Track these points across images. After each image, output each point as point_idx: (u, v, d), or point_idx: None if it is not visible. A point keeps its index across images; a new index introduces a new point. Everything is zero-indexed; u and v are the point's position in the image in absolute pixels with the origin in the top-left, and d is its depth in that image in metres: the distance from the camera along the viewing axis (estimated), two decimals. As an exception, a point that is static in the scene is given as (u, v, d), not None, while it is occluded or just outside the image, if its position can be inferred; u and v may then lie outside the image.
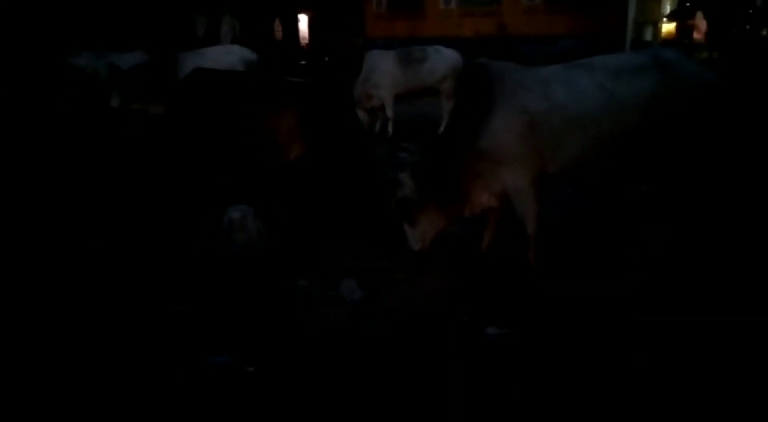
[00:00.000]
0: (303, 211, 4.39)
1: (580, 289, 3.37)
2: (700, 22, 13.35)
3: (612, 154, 3.29)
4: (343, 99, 4.62)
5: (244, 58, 6.59)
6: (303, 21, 16.84)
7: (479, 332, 3.00)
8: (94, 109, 6.61)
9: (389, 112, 7.79)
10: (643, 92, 3.17)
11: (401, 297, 3.38)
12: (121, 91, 6.13)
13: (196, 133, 4.47)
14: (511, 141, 3.29)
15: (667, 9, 15.22)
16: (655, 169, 3.38)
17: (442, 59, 7.68)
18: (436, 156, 3.55)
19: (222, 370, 2.70)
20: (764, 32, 9.26)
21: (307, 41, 16.58)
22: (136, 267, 3.72)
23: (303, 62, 9.43)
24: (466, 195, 3.54)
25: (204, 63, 6.06)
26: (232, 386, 2.59)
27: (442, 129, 7.76)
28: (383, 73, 7.52)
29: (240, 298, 3.37)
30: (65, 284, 3.48)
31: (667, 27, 14.92)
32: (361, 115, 7.31)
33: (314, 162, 4.42)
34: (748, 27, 9.67)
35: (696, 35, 13.40)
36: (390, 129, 7.82)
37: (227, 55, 6.54)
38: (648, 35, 14.04)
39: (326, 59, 14.16)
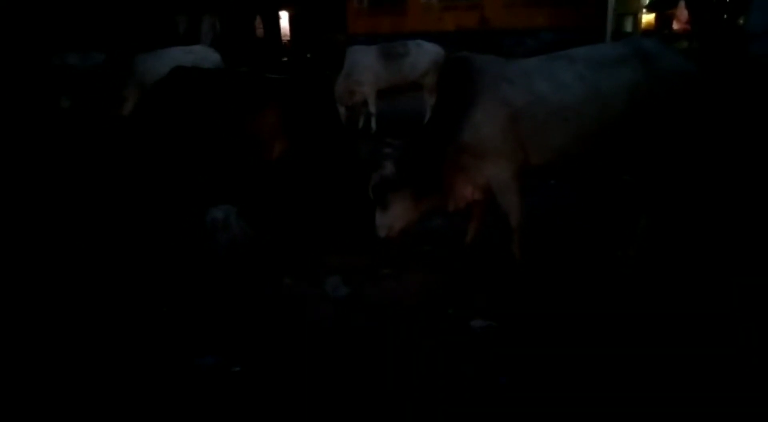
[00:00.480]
0: (287, 210, 4.37)
1: (566, 280, 3.40)
2: (680, 12, 13.44)
3: (595, 145, 3.30)
4: (324, 95, 4.60)
5: (206, 59, 6.41)
6: (284, 18, 16.74)
7: (465, 325, 3.01)
8: (73, 110, 6.49)
9: (372, 108, 7.78)
10: (625, 82, 3.19)
11: (386, 293, 3.38)
12: (72, 92, 6.01)
13: (176, 132, 4.43)
14: (493, 134, 3.29)
15: (647, 0, 15.33)
16: (637, 158, 3.40)
17: (424, 54, 7.67)
18: (418, 147, 3.55)
19: (209, 371, 2.69)
20: (740, 21, 9.36)
21: (288, 38, 16.49)
22: (120, 269, 3.68)
23: (285, 59, 9.38)
24: (450, 189, 3.54)
25: (162, 64, 5.96)
26: (219, 386, 2.58)
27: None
28: (365, 69, 7.52)
29: (225, 298, 3.36)
30: (49, 287, 3.44)
31: (647, 18, 15.01)
32: (341, 111, 7.29)
33: (297, 159, 4.40)
34: (725, 16, 9.78)
35: (675, 25, 13.50)
36: (373, 124, 7.81)
37: (187, 56, 6.32)
38: (628, 26, 14.11)
39: (308, 56, 14.09)
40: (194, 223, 3.94)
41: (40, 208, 4.61)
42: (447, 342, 2.86)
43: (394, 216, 3.52)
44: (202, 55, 6.49)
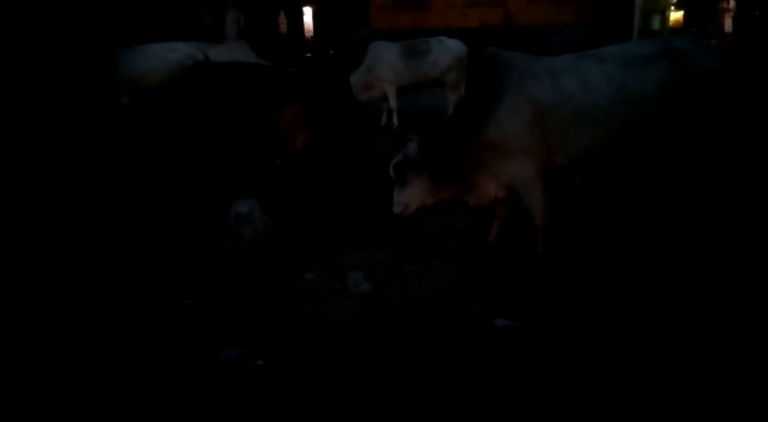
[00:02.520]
0: (309, 204, 4.37)
1: (590, 280, 3.35)
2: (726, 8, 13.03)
3: (622, 145, 3.26)
4: (344, 90, 4.59)
5: (190, 56, 6.20)
6: (308, 14, 16.77)
7: (488, 324, 2.98)
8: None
9: (393, 104, 7.75)
10: (654, 82, 3.14)
11: (408, 290, 3.36)
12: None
13: (199, 126, 4.46)
14: (518, 131, 3.26)
15: (675, -3, 15.06)
16: (664, 159, 3.34)
17: (446, 51, 7.61)
18: (442, 135, 3.53)
19: (232, 364, 2.70)
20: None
21: (312, 34, 16.52)
22: (145, 264, 3.72)
23: (308, 55, 9.40)
24: (472, 184, 3.52)
25: (146, 60, 5.96)
26: (241, 379, 2.59)
27: (448, 120, 7.75)
28: (386, 66, 7.48)
29: (248, 292, 3.37)
30: (76, 282, 3.48)
31: (675, 15, 14.76)
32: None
33: (318, 153, 4.40)
34: (757, 13, 9.55)
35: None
36: (395, 120, 7.79)
37: (171, 53, 6.21)
38: (656, 24, 13.88)
39: (331, 52, 14.10)
40: (218, 217, 3.96)
41: (67, 205, 4.67)
42: (470, 341, 2.84)
43: (410, 194, 3.57)
44: (186, 52, 6.30)
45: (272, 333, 2.95)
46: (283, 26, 15.60)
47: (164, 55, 6.15)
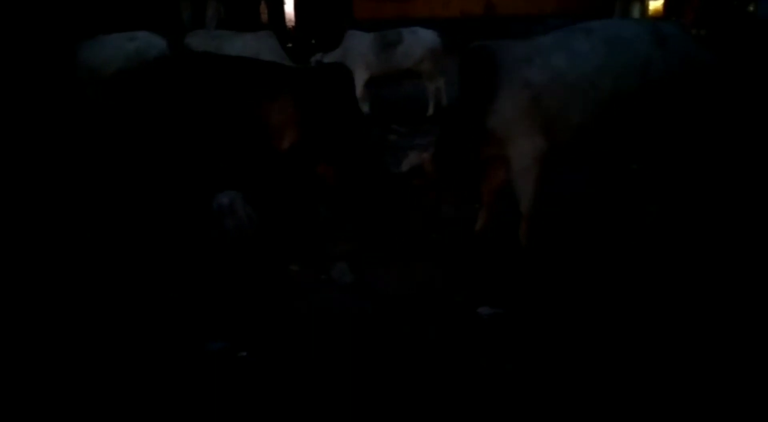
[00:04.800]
0: (294, 196, 4.36)
1: (574, 268, 3.39)
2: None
3: (610, 121, 3.26)
4: (343, 87, 4.48)
5: (150, 44, 6.12)
6: (289, 3, 16.61)
7: (472, 312, 3.01)
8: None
9: (359, 92, 7.69)
10: (638, 58, 3.16)
11: (393, 280, 3.38)
12: None
13: (184, 118, 4.39)
14: (518, 116, 3.27)
15: (655, -14, 15.14)
16: (649, 145, 3.37)
17: (419, 41, 7.58)
18: (447, 143, 3.55)
19: (217, 356, 2.70)
20: (751, 8, 9.24)
21: (293, 24, 16.37)
22: (129, 257, 3.69)
23: (290, 45, 9.32)
24: (485, 179, 3.55)
25: (102, 50, 5.87)
26: (226, 371, 2.59)
27: (430, 111, 7.74)
28: (357, 56, 7.39)
29: (233, 284, 3.36)
30: (61, 277, 3.45)
31: (655, 4, 14.85)
32: None
33: (309, 150, 4.34)
34: (735, 2, 9.65)
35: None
36: (366, 108, 7.71)
37: (130, 42, 6.06)
38: (635, 12, 13.98)
39: (313, 42, 14.00)
40: (201, 210, 3.94)
41: (48, 200, 4.60)
42: (453, 329, 2.87)
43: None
44: (147, 41, 6.17)
45: (256, 325, 2.95)
46: (264, 16, 15.42)
47: (121, 44, 6.01)
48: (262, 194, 4.17)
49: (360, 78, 7.57)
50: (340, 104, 4.28)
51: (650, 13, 14.61)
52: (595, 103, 3.20)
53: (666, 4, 14.37)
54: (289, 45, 9.17)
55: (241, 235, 3.82)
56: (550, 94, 3.22)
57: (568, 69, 3.21)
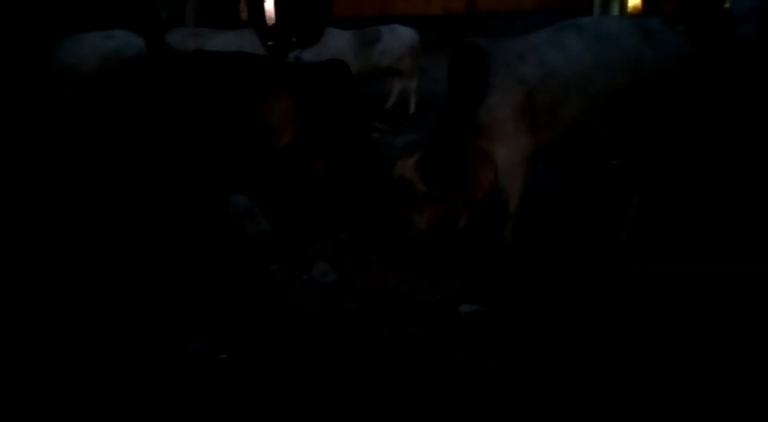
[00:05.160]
0: (278, 196, 4.32)
1: (555, 264, 3.41)
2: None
3: (602, 118, 3.27)
4: (344, 84, 4.42)
5: (128, 43, 5.95)
6: (269, 0, 16.49)
7: (454, 310, 3.01)
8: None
9: None
10: (630, 54, 3.18)
11: (375, 279, 3.37)
12: None
13: (185, 116, 4.29)
14: (510, 113, 3.26)
15: (634, -18, 15.27)
16: (633, 139, 3.38)
17: (397, 39, 7.55)
18: (437, 144, 3.53)
19: (197, 358, 2.67)
20: (726, 5, 9.36)
21: (273, 21, 16.25)
22: (113, 258, 3.63)
23: (270, 43, 9.22)
24: (475, 177, 3.54)
25: (81, 49, 5.77)
26: (206, 373, 2.56)
27: (412, 108, 7.73)
28: (335, 54, 7.27)
29: (211, 284, 3.33)
30: (40, 277, 3.38)
31: (633, 1, 14.99)
32: None
33: (306, 147, 4.29)
34: (711, -1, 9.76)
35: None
36: None
37: (107, 41, 5.90)
38: (615, 9, 14.08)
39: (294, 39, 13.91)
40: (202, 211, 3.88)
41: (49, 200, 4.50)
42: (435, 327, 2.87)
43: (429, 216, 3.63)
44: (124, 39, 6.00)
45: (237, 326, 2.93)
46: (244, 14, 15.29)
47: (98, 43, 5.91)
48: (264, 194, 4.12)
49: None
50: (339, 101, 4.25)
51: (629, 9, 14.74)
52: (588, 99, 3.22)
53: (644, 1, 14.50)
54: (270, 43, 9.08)
55: (263, 239, 3.79)
56: (544, 91, 3.22)
57: (561, 66, 3.21)
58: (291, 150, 4.28)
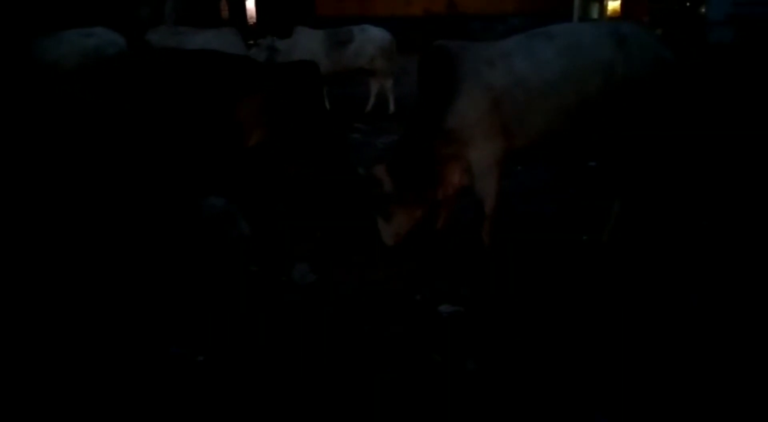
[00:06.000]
0: (256, 198, 4.30)
1: (533, 265, 3.44)
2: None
3: (573, 124, 3.30)
4: (312, 84, 4.40)
5: (108, 41, 5.92)
6: (250, -1, 16.39)
7: (432, 310, 3.02)
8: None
9: None
10: (601, 62, 3.19)
11: (354, 280, 3.37)
12: None
13: (150, 115, 4.24)
14: (478, 119, 3.27)
15: (613, -14, 15.46)
16: (610, 142, 3.42)
17: (369, 40, 7.55)
18: (408, 147, 3.53)
19: (175, 360, 2.64)
20: (702, 10, 9.53)
21: (254, 20, 16.15)
22: (83, 262, 3.58)
23: (251, 42, 9.18)
24: (441, 179, 3.54)
25: (60, 47, 5.70)
26: (184, 376, 2.54)
27: (391, 109, 7.74)
28: (305, 54, 7.14)
29: (190, 286, 3.30)
30: (24, 279, 3.32)
31: (613, 5, 15.17)
32: None
33: (277, 148, 4.27)
34: (687, 4, 9.94)
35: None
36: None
37: (86, 38, 5.84)
38: (594, 13, 14.25)
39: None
40: (177, 213, 3.83)
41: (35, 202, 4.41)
42: (414, 328, 2.87)
43: (399, 224, 3.59)
44: (105, 37, 5.95)
45: (214, 328, 2.90)
46: (225, 12, 15.18)
47: (76, 40, 5.84)
48: (242, 196, 4.08)
49: None
50: (308, 102, 4.23)
51: (608, 13, 14.92)
52: (557, 107, 3.24)
53: (623, 5, 14.70)
54: (251, 41, 9.04)
55: (242, 242, 3.76)
56: (512, 99, 3.24)
57: (530, 74, 3.23)
58: (262, 150, 4.26)
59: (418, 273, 3.43)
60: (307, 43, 7.40)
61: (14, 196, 4.36)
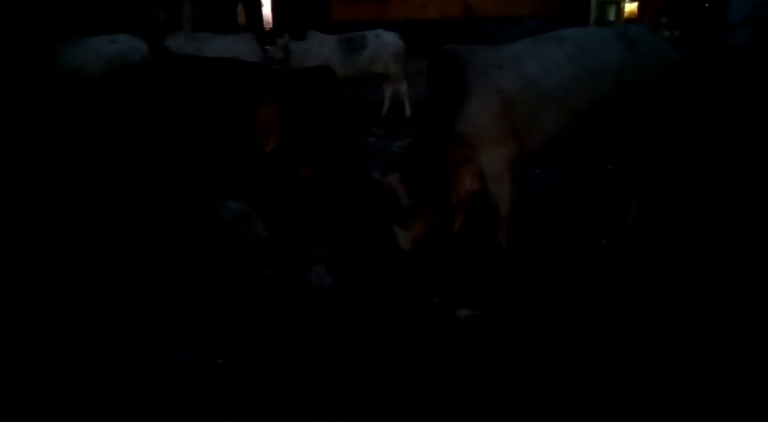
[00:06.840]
0: (273, 202, 4.31)
1: (550, 269, 3.41)
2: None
3: (584, 127, 3.28)
4: (330, 89, 4.42)
5: (133, 48, 6.16)
6: (266, 5, 16.54)
7: (450, 314, 3.01)
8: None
9: None
10: (611, 65, 3.18)
11: (371, 283, 3.37)
12: None
13: (170, 121, 4.29)
14: (489, 123, 3.27)
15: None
16: (623, 145, 3.40)
17: (383, 45, 7.57)
18: (419, 153, 3.53)
19: (192, 363, 2.66)
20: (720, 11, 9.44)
21: (271, 26, 16.30)
22: (100, 265, 3.62)
23: (267, 47, 9.26)
24: (453, 183, 3.54)
25: (83, 52, 5.82)
26: (202, 379, 2.56)
27: (407, 112, 7.74)
28: (318, 59, 7.19)
29: (209, 289, 3.32)
30: (35, 280, 3.37)
31: (630, 6, 15.08)
32: None
33: (292, 153, 4.29)
34: (706, 5, 9.85)
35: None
36: None
37: (110, 45, 6.07)
38: (611, 15, 14.18)
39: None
40: (196, 216, 3.86)
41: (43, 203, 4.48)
42: (432, 332, 2.86)
43: (416, 231, 3.62)
44: (128, 44, 6.18)
45: (232, 331, 2.92)
46: (241, 18, 15.34)
47: (101, 47, 5.99)
48: (260, 200, 4.11)
49: None
50: (325, 107, 4.24)
51: (625, 15, 14.83)
52: (568, 111, 3.22)
53: (641, 7, 14.60)
54: (267, 47, 9.13)
55: (260, 245, 3.79)
56: (522, 102, 3.23)
57: (540, 77, 3.22)
58: (278, 156, 4.28)
59: (435, 276, 3.42)
60: (320, 49, 7.43)
61: (36, 199, 4.43)
